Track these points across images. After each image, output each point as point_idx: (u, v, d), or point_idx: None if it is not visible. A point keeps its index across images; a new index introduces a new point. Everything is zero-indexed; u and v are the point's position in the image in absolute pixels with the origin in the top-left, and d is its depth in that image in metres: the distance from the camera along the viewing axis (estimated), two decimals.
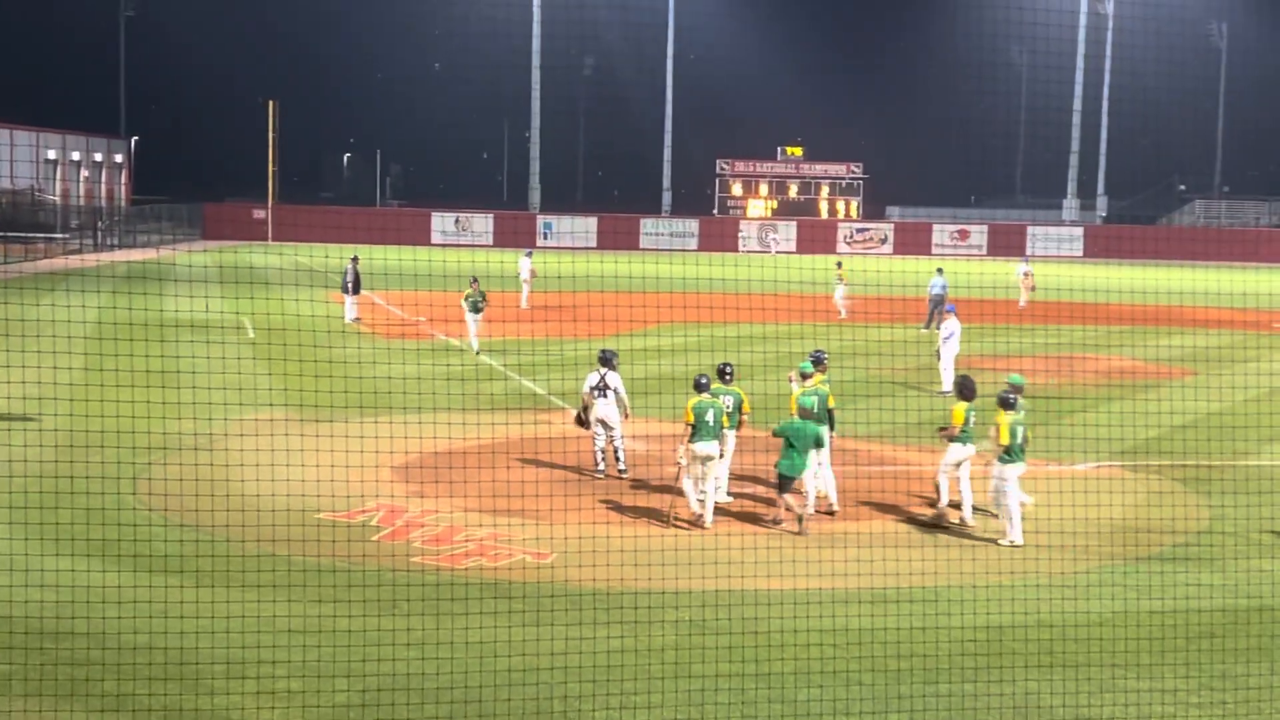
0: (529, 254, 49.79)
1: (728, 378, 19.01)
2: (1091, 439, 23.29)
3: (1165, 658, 13.24)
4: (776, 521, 18.27)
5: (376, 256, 45.95)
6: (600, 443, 20.44)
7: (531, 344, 36.72)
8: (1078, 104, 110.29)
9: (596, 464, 20.51)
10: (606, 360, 20.34)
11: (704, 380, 18.40)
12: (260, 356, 32.73)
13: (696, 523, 17.78)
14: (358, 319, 41.41)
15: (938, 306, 41.56)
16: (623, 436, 20.53)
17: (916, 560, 16.04)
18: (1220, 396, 28.86)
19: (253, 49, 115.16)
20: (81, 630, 13.03)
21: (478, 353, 34.70)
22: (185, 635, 12.78)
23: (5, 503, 17.74)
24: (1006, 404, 17.52)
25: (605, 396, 20.20)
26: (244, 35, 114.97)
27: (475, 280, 35.85)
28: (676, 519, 17.94)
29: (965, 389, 18.70)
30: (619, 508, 18.69)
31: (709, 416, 17.86)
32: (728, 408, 18.55)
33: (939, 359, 30.11)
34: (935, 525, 18.07)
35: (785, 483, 17.92)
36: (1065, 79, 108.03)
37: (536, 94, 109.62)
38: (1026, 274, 50.51)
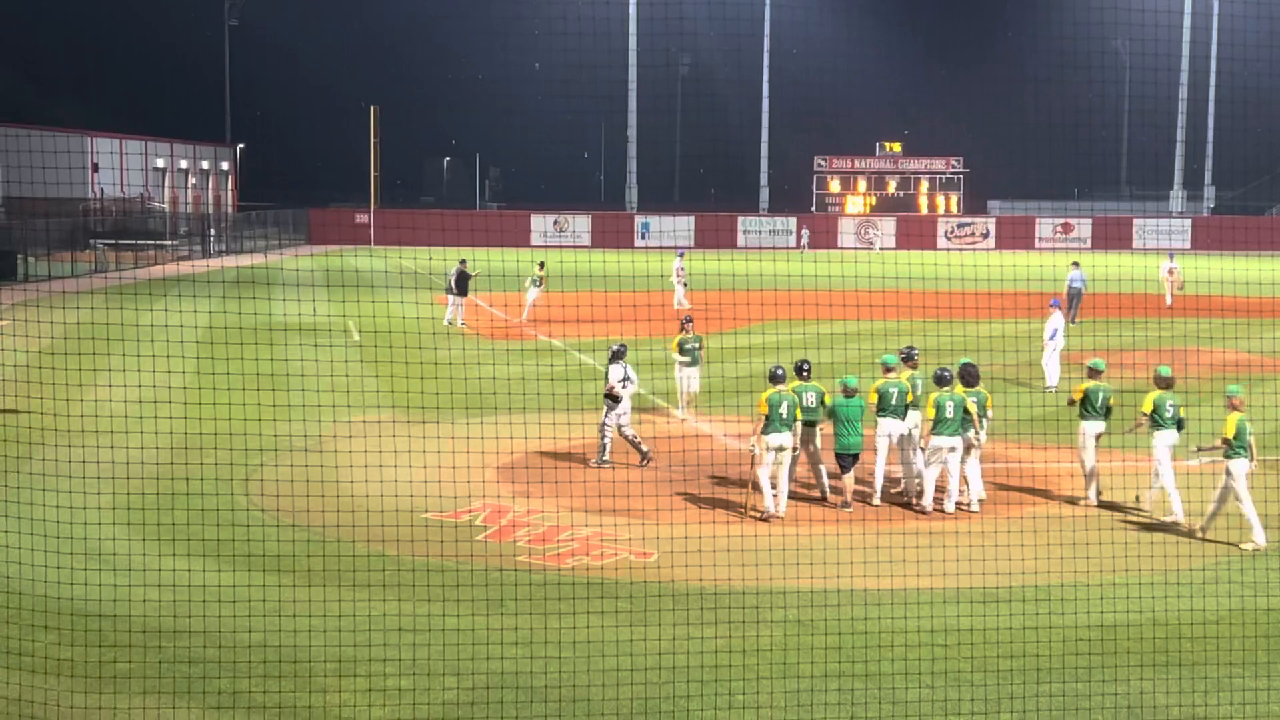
0: (681, 254, 50.08)
1: (805, 374, 19.02)
2: (1205, 433, 22.77)
3: None
4: (846, 505, 18.33)
5: (480, 258, 46.37)
6: (629, 431, 21.01)
7: (634, 344, 36.64)
8: (1183, 93, 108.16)
9: (643, 451, 20.99)
10: (622, 354, 21.19)
11: (780, 372, 18.52)
12: (366, 359, 33.14)
13: (772, 515, 17.93)
14: (451, 321, 41.34)
15: (1076, 300, 41.66)
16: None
17: (1027, 559, 15.83)
18: None
19: (354, 55, 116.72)
20: (196, 629, 13.28)
21: (683, 420, 25.67)
22: (297, 634, 12.97)
23: (122, 504, 18.14)
24: (939, 380, 18.64)
25: (626, 388, 20.95)
26: (345, 41, 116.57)
27: (691, 320, 26.90)
28: (753, 510, 18.03)
29: (965, 375, 18.98)
30: (723, 504, 18.67)
31: (783, 409, 18.04)
32: (810, 403, 18.61)
33: (1046, 352, 29.88)
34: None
35: (843, 461, 18.47)
36: (1171, 66, 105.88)
37: (633, 93, 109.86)
38: (1171, 270, 49.18)
